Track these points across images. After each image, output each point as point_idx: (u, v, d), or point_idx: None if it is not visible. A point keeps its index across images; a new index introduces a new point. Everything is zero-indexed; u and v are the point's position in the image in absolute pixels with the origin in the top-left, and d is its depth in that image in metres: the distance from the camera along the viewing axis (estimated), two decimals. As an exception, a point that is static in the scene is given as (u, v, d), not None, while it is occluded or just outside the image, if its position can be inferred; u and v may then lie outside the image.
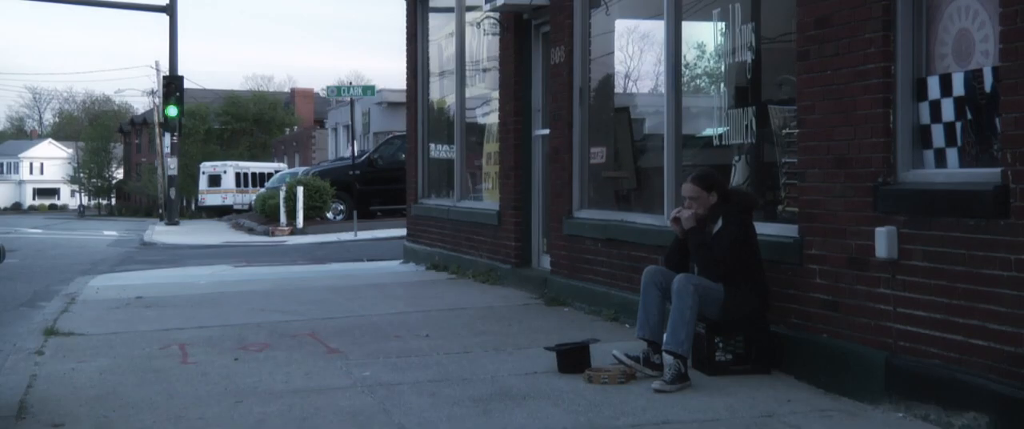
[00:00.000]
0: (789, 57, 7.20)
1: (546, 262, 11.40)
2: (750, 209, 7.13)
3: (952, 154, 5.98)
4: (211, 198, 55.16)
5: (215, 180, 56.19)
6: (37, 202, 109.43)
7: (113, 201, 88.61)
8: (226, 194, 55.81)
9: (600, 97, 10.64)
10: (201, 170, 57.23)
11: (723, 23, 8.34)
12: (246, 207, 54.12)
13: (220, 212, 51.85)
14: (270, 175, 58.58)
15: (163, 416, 6.27)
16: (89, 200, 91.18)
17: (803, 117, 6.94)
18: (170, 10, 37.70)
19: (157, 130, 58.48)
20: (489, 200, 13.09)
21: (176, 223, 38.89)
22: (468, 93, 13.97)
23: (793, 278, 6.99)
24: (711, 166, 7.84)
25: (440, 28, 15.31)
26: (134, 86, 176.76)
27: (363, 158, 30.35)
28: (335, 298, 11.81)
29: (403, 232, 17.55)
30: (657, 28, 9.18)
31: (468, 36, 13.88)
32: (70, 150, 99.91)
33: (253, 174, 58.02)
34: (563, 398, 6.50)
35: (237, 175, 56.85)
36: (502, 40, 12.36)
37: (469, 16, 13.73)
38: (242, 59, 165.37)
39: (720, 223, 6.97)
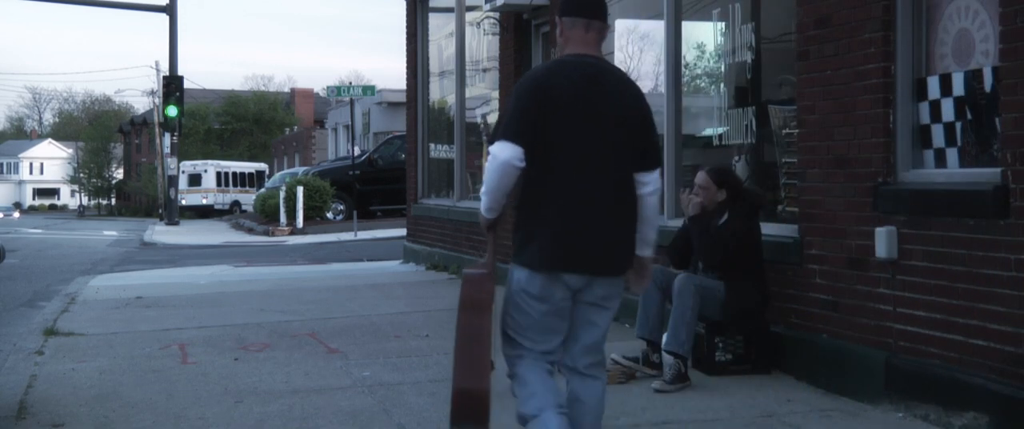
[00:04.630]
0: (789, 57, 7.20)
1: (546, 262, 11.38)
2: (757, 208, 7.14)
3: (952, 154, 5.98)
4: (191, 198, 52.73)
5: (195, 180, 54.75)
6: (37, 202, 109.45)
7: (113, 201, 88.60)
8: (206, 194, 54.87)
9: (600, 97, 10.63)
10: (181, 169, 56.55)
11: (723, 23, 8.34)
12: (226, 207, 53.90)
13: (200, 213, 51.14)
14: (251, 175, 58.36)
15: (163, 416, 6.27)
16: (89, 200, 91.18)
17: (803, 117, 6.94)
18: (170, 10, 37.69)
19: (157, 130, 58.40)
20: (489, 200, 13.07)
21: (176, 223, 38.88)
22: (468, 93, 13.97)
23: (793, 278, 6.99)
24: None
25: (440, 28, 15.30)
26: (134, 86, 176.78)
27: (363, 158, 30.34)
28: (335, 298, 11.81)
29: (403, 232, 17.55)
30: (657, 28, 9.18)
31: (468, 36, 13.88)
32: (70, 150, 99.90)
33: (234, 174, 57.58)
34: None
35: (218, 174, 56.32)
36: (502, 40, 12.36)
37: (469, 16, 13.73)
38: (242, 59, 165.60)
39: (726, 217, 6.98)
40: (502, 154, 4.24)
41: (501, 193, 4.33)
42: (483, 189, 4.37)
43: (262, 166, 61.34)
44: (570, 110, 4.30)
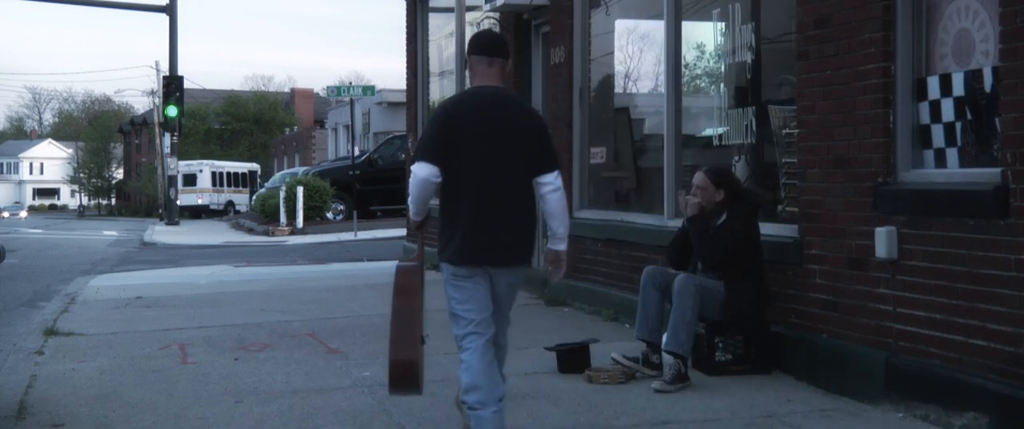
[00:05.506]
0: (789, 57, 7.20)
1: (546, 262, 11.38)
2: (756, 208, 7.13)
3: (952, 154, 5.98)
4: (186, 198, 50.91)
5: (190, 179, 54.06)
6: (37, 202, 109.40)
7: (113, 201, 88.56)
8: (201, 194, 54.63)
9: (600, 97, 10.64)
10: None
11: (723, 23, 8.34)
12: (221, 207, 53.82)
13: (194, 213, 50.72)
14: (243, 175, 58.25)
15: (163, 416, 6.27)
16: (89, 200, 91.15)
17: (803, 117, 6.94)
18: (170, 10, 37.68)
19: (157, 130, 58.35)
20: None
21: (176, 223, 38.87)
22: (468, 93, 13.93)
23: (793, 278, 6.99)
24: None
25: (440, 28, 15.30)
26: (134, 86, 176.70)
27: (363, 158, 30.33)
28: (335, 298, 11.81)
29: (403, 232, 17.54)
30: (657, 28, 9.18)
31: (468, 36, 13.86)
32: (70, 150, 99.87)
33: (228, 174, 57.51)
34: (563, 398, 6.50)
35: (213, 174, 56.17)
36: (502, 40, 12.34)
37: (469, 16, 13.73)
38: (242, 59, 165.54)
39: (725, 217, 6.97)
40: (421, 173, 5.14)
41: (423, 203, 5.28)
42: (409, 200, 5.30)
43: (254, 166, 61.29)
44: (473, 131, 5.17)
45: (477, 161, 5.16)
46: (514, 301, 5.50)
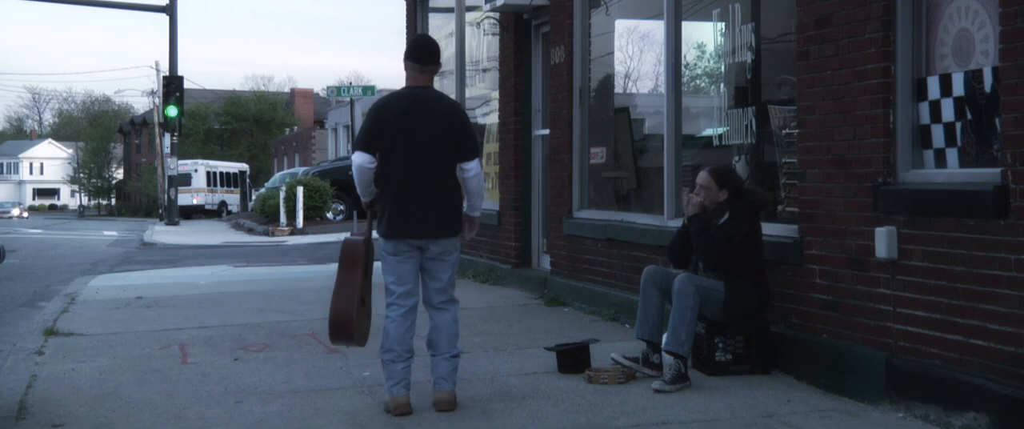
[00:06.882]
0: (789, 57, 7.20)
1: (546, 262, 11.40)
2: (758, 209, 7.12)
3: (952, 154, 5.98)
4: (182, 198, 48.39)
5: (185, 179, 53.09)
6: (37, 202, 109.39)
7: (113, 201, 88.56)
8: (197, 194, 54.34)
9: (600, 97, 10.64)
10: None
11: (723, 23, 8.34)
12: (215, 207, 53.79)
13: (186, 214, 50.21)
14: (234, 175, 58.26)
15: (163, 416, 6.27)
16: (89, 200, 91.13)
17: (803, 117, 6.94)
18: (170, 10, 37.67)
19: (157, 130, 58.33)
20: (489, 200, 13.08)
21: (176, 223, 38.87)
22: (468, 93, 13.96)
23: (793, 278, 6.99)
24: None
25: (440, 28, 15.29)
26: (134, 86, 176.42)
27: (363, 158, 30.25)
28: (335, 298, 11.78)
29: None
30: (657, 28, 9.18)
31: (468, 36, 13.88)
32: (70, 150, 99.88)
33: (222, 174, 57.49)
34: (563, 398, 6.50)
35: (208, 174, 56.10)
36: (502, 40, 12.36)
37: (469, 16, 13.73)
38: (242, 59, 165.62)
39: (727, 217, 6.97)
40: (358, 160, 6.09)
41: (365, 185, 6.18)
42: (356, 185, 6.19)
43: (243, 166, 61.26)
44: (402, 124, 6.06)
45: (404, 150, 6.03)
46: (452, 273, 6.29)
